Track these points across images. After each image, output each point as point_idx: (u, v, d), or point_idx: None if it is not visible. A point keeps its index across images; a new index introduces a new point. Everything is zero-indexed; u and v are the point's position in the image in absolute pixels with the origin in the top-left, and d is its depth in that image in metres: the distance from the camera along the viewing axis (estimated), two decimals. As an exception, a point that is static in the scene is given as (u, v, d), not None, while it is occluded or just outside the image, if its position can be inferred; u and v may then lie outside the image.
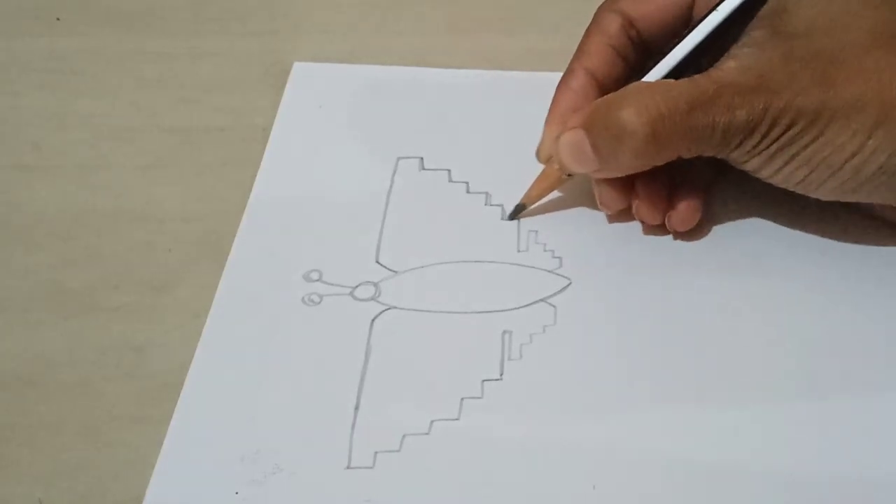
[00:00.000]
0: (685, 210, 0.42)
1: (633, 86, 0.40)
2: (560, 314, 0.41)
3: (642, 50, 0.43)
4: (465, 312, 0.41)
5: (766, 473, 0.36)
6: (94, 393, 0.39)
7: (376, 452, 0.36)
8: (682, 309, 0.41)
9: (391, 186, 0.46)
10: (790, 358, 0.39)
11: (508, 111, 0.49)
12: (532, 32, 0.55)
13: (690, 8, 0.42)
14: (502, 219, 0.44)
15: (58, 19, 0.56)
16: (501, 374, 0.39)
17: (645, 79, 0.41)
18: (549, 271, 0.42)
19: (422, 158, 0.47)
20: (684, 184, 0.43)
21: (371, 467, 0.36)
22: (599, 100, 0.41)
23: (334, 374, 0.39)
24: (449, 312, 0.41)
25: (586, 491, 0.35)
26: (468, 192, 0.46)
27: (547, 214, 0.44)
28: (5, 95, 0.51)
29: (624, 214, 0.43)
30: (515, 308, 0.41)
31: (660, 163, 0.40)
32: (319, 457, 0.36)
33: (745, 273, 0.42)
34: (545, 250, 0.43)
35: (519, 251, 0.43)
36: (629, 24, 0.43)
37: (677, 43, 0.41)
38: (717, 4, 0.40)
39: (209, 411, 0.38)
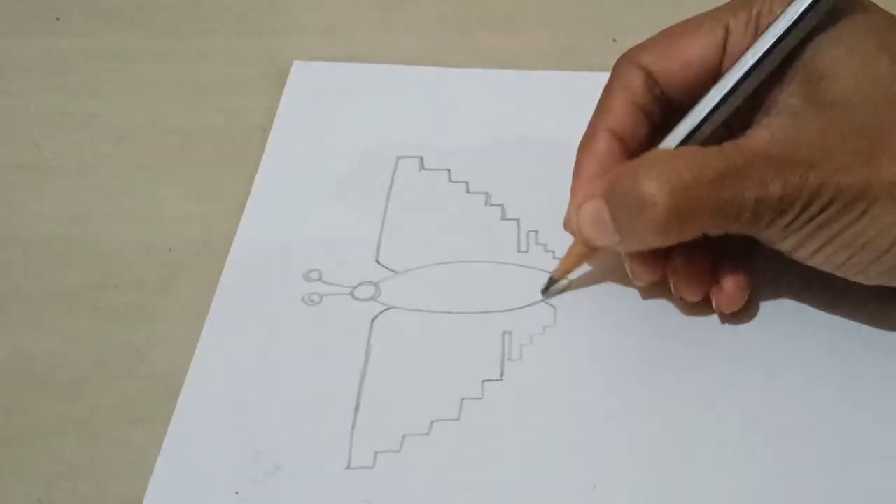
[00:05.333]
0: (733, 290, 0.39)
1: (654, 152, 0.37)
2: (560, 315, 0.41)
3: (667, 108, 0.40)
4: (465, 313, 0.41)
5: (765, 472, 0.36)
6: (94, 393, 0.39)
7: (376, 452, 0.36)
8: (683, 310, 0.41)
9: (391, 186, 0.46)
10: (793, 363, 0.39)
11: (509, 110, 0.49)
12: (532, 32, 0.55)
13: (718, 68, 0.39)
14: (502, 219, 0.44)
15: (58, 19, 0.56)
16: (501, 375, 0.39)
17: (666, 140, 0.38)
18: (549, 272, 0.42)
19: (422, 158, 0.47)
20: (728, 257, 0.39)
21: (371, 467, 0.36)
22: (620, 166, 0.37)
23: (334, 374, 0.39)
24: (449, 313, 0.41)
25: (586, 491, 0.35)
26: (468, 191, 0.46)
27: (548, 215, 0.44)
28: (5, 95, 0.51)
29: (658, 288, 0.40)
30: (515, 309, 0.41)
31: (683, 240, 0.36)
32: (319, 457, 0.36)
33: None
34: (546, 251, 0.43)
35: (519, 251, 0.43)
36: (652, 80, 0.39)
37: (698, 101, 0.38)
38: (739, 59, 0.37)
39: (209, 411, 0.38)
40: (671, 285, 0.39)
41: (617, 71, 0.40)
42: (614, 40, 0.54)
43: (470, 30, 0.55)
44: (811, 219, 0.35)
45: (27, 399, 0.39)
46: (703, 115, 0.38)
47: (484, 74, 0.51)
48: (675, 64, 0.39)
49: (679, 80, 0.39)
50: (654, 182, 0.35)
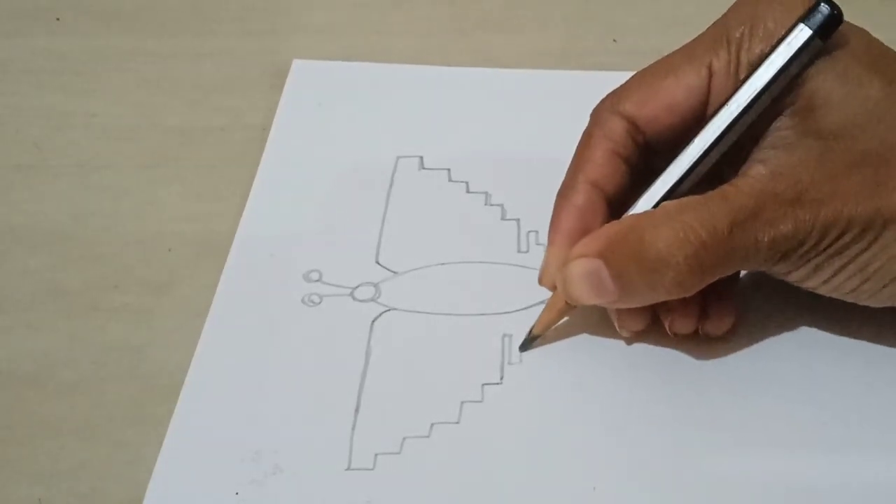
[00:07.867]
0: (720, 317, 0.38)
1: (662, 210, 0.36)
2: (560, 316, 0.41)
3: (648, 152, 0.38)
4: (466, 315, 0.41)
5: (766, 474, 0.36)
6: (94, 393, 0.39)
7: (376, 454, 0.36)
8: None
9: (391, 186, 0.46)
10: (794, 361, 0.39)
11: (508, 110, 0.49)
12: (531, 32, 0.55)
13: (703, 110, 0.37)
14: (502, 219, 0.44)
15: (58, 19, 0.56)
16: (501, 379, 0.39)
17: (653, 188, 0.37)
18: (549, 273, 0.42)
19: (422, 158, 0.47)
20: (714, 286, 0.37)
21: (371, 469, 0.36)
22: (620, 227, 0.36)
23: (334, 376, 0.39)
24: (449, 314, 0.41)
25: (586, 493, 0.35)
26: (468, 191, 0.46)
27: (548, 215, 0.44)
28: (5, 95, 0.51)
29: (643, 334, 0.39)
30: (516, 311, 0.41)
31: (696, 290, 0.36)
32: (319, 458, 0.36)
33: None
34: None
35: (519, 251, 0.43)
36: (634, 128, 0.38)
37: (685, 146, 0.37)
38: (729, 97, 0.36)
39: (209, 411, 0.38)
40: (666, 325, 0.38)
41: (596, 118, 0.39)
42: (614, 40, 0.54)
43: (470, 30, 0.55)
44: (822, 251, 0.35)
45: (27, 399, 0.39)
46: (691, 161, 0.36)
47: (484, 74, 0.51)
48: (659, 109, 0.37)
49: (663, 125, 0.38)
50: (669, 244, 0.35)
